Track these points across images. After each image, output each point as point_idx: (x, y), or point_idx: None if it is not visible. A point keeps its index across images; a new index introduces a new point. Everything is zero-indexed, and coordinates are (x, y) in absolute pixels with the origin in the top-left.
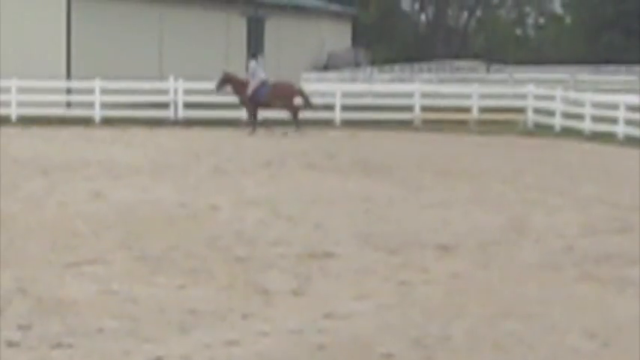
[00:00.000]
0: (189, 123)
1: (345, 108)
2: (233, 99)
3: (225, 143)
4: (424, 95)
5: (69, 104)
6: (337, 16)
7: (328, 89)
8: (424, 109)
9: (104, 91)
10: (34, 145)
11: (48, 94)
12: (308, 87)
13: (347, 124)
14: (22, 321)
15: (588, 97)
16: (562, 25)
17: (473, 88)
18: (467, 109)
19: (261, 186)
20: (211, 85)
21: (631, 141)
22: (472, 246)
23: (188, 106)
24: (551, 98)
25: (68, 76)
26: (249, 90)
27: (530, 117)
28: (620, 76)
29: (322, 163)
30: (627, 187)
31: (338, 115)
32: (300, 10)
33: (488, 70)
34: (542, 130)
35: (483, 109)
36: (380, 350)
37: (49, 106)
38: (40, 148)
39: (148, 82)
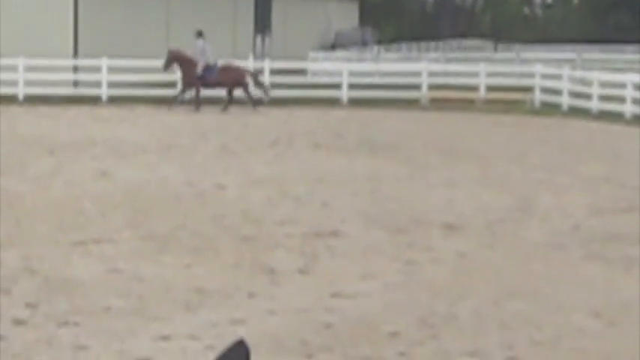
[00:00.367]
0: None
1: (352, 87)
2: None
3: (232, 122)
4: (431, 74)
5: (76, 83)
6: None
7: (335, 68)
8: (431, 88)
9: (111, 70)
10: (40, 124)
11: (55, 72)
12: (315, 66)
13: (354, 103)
14: (29, 299)
15: (596, 76)
16: (570, 4)
17: (480, 67)
18: (474, 88)
19: (268, 165)
20: (219, 63)
21: (638, 120)
22: (478, 225)
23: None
24: (559, 77)
25: (75, 54)
26: (199, 69)
27: (538, 96)
28: (627, 55)
29: (329, 142)
30: (634, 167)
31: (345, 94)
32: None
33: (495, 49)
34: (550, 110)
35: (490, 88)
36: (386, 329)
37: (56, 85)
38: (47, 128)
39: (156, 60)
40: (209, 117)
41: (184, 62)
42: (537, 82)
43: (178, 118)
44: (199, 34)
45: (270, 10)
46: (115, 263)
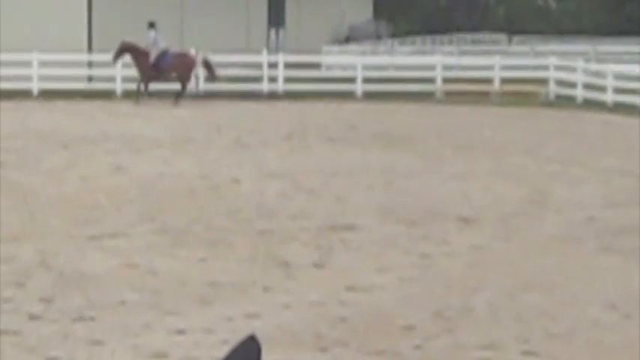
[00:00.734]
0: (209, 96)
1: (367, 80)
2: (253, 72)
3: (245, 116)
4: (446, 67)
5: (90, 78)
6: None
7: (349, 62)
8: (446, 81)
9: (126, 65)
10: (55, 119)
11: (69, 67)
12: (329, 60)
13: (368, 96)
14: (44, 294)
15: (610, 68)
16: None
17: (494, 60)
18: (488, 81)
19: (282, 159)
20: (236, 57)
21: None
22: (493, 218)
23: (209, 78)
24: (573, 70)
25: (90, 49)
26: (152, 58)
27: (552, 89)
28: None
29: (343, 135)
30: None
31: (359, 88)
32: None
33: (509, 42)
34: (564, 102)
35: (505, 81)
36: (401, 322)
37: (71, 80)
38: (62, 122)
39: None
40: (223, 111)
41: (136, 53)
42: (552, 74)
43: (191, 112)
44: (151, 25)
45: (283, 3)
46: (129, 257)
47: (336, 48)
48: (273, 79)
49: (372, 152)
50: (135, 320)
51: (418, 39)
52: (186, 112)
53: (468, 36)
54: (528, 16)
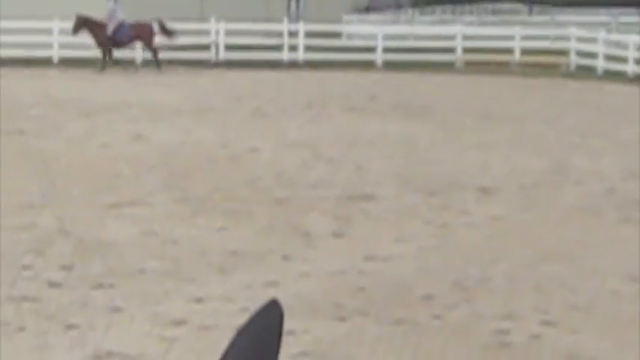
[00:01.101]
0: (230, 65)
1: (387, 50)
2: (274, 41)
3: (266, 85)
4: (466, 37)
5: None
6: None
7: (370, 31)
8: (466, 51)
9: None
10: (75, 87)
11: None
12: (350, 29)
13: (388, 66)
14: (63, 261)
15: (631, 39)
16: None
17: (515, 30)
18: (509, 52)
19: (302, 128)
20: (256, 26)
21: None
22: (513, 188)
23: (229, 47)
24: (594, 40)
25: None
26: (109, 30)
27: (573, 59)
28: None
29: (363, 105)
30: None
31: (380, 57)
32: None
33: (530, 12)
34: (585, 73)
35: (525, 52)
36: (420, 292)
37: (91, 48)
38: (82, 90)
39: (189, 23)
40: (243, 80)
41: (92, 26)
42: (572, 45)
43: (212, 80)
44: None
45: None
46: (149, 226)
47: (356, 17)
48: (293, 48)
49: (392, 122)
50: (154, 288)
51: (438, 8)
52: (206, 80)
53: (489, 6)
54: None
